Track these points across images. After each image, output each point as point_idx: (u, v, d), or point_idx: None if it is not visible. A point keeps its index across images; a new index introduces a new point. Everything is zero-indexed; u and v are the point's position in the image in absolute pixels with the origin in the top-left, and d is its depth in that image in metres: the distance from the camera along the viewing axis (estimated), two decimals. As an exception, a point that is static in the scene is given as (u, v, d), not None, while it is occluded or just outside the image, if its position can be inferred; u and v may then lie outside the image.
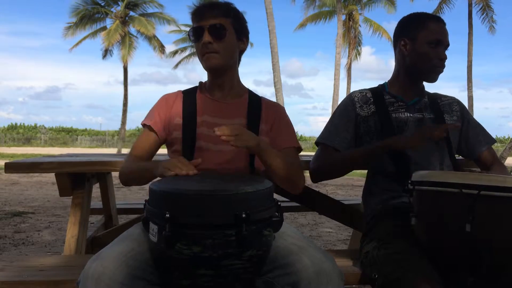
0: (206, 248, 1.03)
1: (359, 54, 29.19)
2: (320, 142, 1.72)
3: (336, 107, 1.78)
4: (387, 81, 1.77)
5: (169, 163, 1.28)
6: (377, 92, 1.73)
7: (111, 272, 1.08)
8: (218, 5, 1.48)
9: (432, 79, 1.67)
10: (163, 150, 1.61)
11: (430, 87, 1.78)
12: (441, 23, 1.64)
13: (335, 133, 1.70)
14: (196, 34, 1.47)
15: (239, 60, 1.58)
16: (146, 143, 1.53)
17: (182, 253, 1.03)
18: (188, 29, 1.52)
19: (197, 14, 1.48)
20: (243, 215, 1.02)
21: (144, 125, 1.55)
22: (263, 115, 1.55)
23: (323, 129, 1.75)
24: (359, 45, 29.01)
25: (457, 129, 1.72)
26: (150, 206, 1.12)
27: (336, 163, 1.66)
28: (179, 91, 1.60)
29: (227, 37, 1.46)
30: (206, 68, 1.51)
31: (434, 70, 1.64)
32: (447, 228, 1.20)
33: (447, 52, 1.64)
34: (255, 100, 1.58)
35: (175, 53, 29.77)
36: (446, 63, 1.65)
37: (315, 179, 1.71)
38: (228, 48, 1.47)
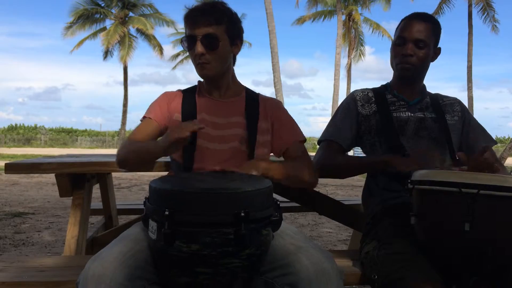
0: (205, 246, 1.03)
1: (363, 54, 29.18)
2: (324, 139, 1.72)
3: (336, 107, 1.79)
4: (389, 81, 1.78)
5: (175, 128, 1.28)
6: (379, 92, 1.75)
7: (111, 273, 1.08)
8: (211, 11, 1.44)
9: (401, 76, 1.69)
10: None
11: (431, 88, 1.79)
12: (412, 20, 1.65)
13: (338, 131, 1.71)
14: (189, 42, 1.46)
15: (234, 60, 1.58)
16: (147, 130, 1.52)
17: (181, 251, 1.04)
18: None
19: (190, 20, 1.45)
20: (242, 214, 1.02)
21: (144, 117, 1.54)
22: (261, 112, 1.56)
23: (326, 128, 1.75)
24: (362, 45, 28.98)
25: (457, 130, 1.72)
26: (150, 203, 1.12)
27: (340, 166, 1.67)
28: (178, 90, 1.61)
29: (220, 48, 1.45)
30: (200, 76, 1.53)
31: (397, 67, 1.68)
32: (446, 227, 1.20)
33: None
34: (252, 98, 1.59)
35: (177, 55, 29.81)
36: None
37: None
38: (221, 57, 1.47)
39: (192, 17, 1.45)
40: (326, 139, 1.72)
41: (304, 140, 1.59)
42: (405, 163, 1.51)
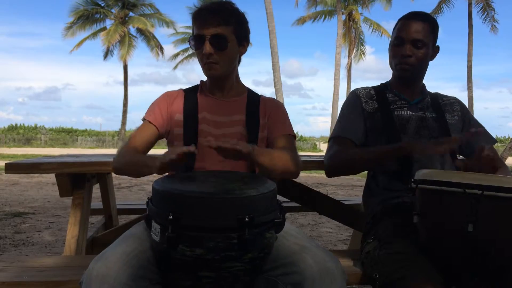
0: (209, 250, 1.02)
1: (364, 54, 29.19)
2: (335, 136, 1.69)
3: (337, 107, 1.79)
4: (388, 80, 1.78)
5: (166, 152, 1.24)
6: (380, 90, 1.75)
7: (114, 273, 1.08)
8: (220, 11, 1.43)
9: (401, 77, 1.68)
10: (160, 150, 1.60)
11: (431, 88, 1.79)
12: (410, 20, 1.63)
13: (349, 126, 1.69)
14: (196, 42, 1.44)
15: (239, 61, 1.57)
16: (145, 135, 1.51)
17: (184, 255, 1.03)
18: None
19: (198, 19, 1.44)
20: (246, 219, 1.01)
21: (144, 119, 1.54)
22: (261, 111, 1.56)
23: (335, 126, 1.73)
24: (362, 45, 28.99)
25: (457, 129, 1.72)
26: (153, 205, 1.11)
27: (354, 158, 1.62)
28: (180, 89, 1.61)
29: (228, 48, 1.44)
30: (207, 76, 1.52)
31: (396, 68, 1.67)
32: (449, 227, 1.20)
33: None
34: (254, 98, 1.59)
35: (176, 55, 29.85)
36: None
37: (330, 174, 1.67)
38: (229, 58, 1.47)
39: (200, 17, 1.44)
40: (336, 136, 1.69)
41: (294, 136, 1.58)
42: (422, 147, 1.46)
